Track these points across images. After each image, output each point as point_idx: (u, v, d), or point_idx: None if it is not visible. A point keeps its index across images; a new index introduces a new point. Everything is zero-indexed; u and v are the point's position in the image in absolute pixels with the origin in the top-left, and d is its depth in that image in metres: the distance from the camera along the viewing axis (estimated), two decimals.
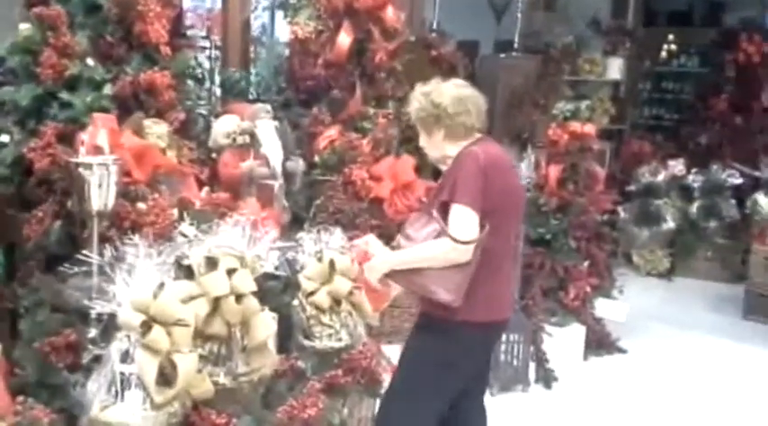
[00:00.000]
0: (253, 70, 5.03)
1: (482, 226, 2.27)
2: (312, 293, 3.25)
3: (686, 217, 6.79)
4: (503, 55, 6.75)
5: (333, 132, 4.29)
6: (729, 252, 6.69)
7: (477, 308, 2.34)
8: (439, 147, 2.51)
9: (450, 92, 2.48)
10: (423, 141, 2.58)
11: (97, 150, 2.83)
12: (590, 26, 7.65)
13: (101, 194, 2.74)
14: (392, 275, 2.45)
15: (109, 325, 2.52)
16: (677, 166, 7.04)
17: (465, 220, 2.24)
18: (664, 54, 9.79)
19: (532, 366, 4.21)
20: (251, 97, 4.55)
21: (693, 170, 6.95)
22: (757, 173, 6.89)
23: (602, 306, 4.75)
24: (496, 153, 2.46)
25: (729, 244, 6.71)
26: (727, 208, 6.71)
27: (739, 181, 6.77)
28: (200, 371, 2.47)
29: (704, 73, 8.97)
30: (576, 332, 4.55)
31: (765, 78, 7.63)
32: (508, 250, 2.53)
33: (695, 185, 6.84)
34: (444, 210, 2.31)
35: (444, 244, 2.25)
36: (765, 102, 7.60)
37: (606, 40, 7.85)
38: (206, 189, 3.56)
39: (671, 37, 9.66)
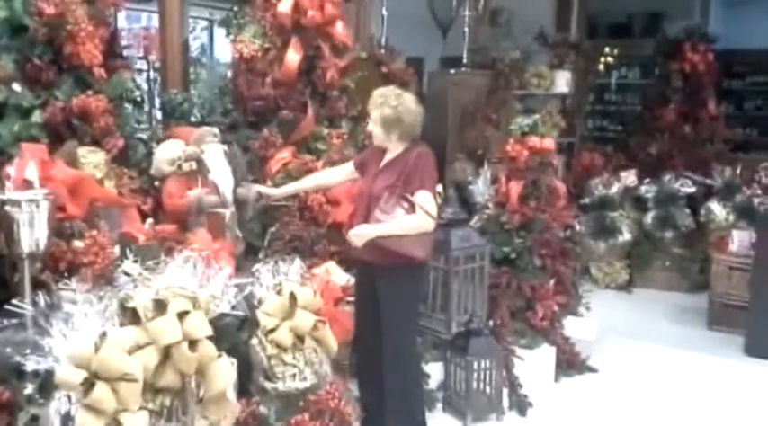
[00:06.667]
0: (193, 91, 4.77)
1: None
2: (272, 330, 3.01)
3: (641, 228, 6.74)
4: (452, 71, 6.63)
5: (285, 154, 4.06)
6: (687, 261, 6.64)
7: (429, 254, 3.33)
8: (389, 142, 3.29)
9: (412, 107, 3.27)
10: (376, 131, 3.28)
11: (26, 184, 2.56)
12: (537, 40, 7.59)
13: (31, 234, 2.48)
14: (375, 240, 3.14)
15: (48, 381, 2.24)
16: (629, 177, 7.00)
17: (432, 202, 3.18)
18: (601, 66, 9.82)
19: (505, 392, 4.01)
20: (194, 120, 4.26)
21: (646, 180, 6.91)
22: (709, 181, 6.92)
23: (570, 325, 4.60)
24: (430, 151, 3.32)
25: (686, 254, 6.67)
26: (681, 218, 6.67)
27: (692, 189, 6.77)
28: None
29: (646, 83, 9.02)
30: (546, 354, 4.38)
31: (711, 86, 7.69)
32: None
33: (648, 195, 6.79)
34: (411, 193, 3.14)
35: (420, 219, 3.13)
36: (713, 111, 7.66)
37: (553, 54, 7.80)
38: (150, 221, 3.29)
39: (606, 49, 9.71)
